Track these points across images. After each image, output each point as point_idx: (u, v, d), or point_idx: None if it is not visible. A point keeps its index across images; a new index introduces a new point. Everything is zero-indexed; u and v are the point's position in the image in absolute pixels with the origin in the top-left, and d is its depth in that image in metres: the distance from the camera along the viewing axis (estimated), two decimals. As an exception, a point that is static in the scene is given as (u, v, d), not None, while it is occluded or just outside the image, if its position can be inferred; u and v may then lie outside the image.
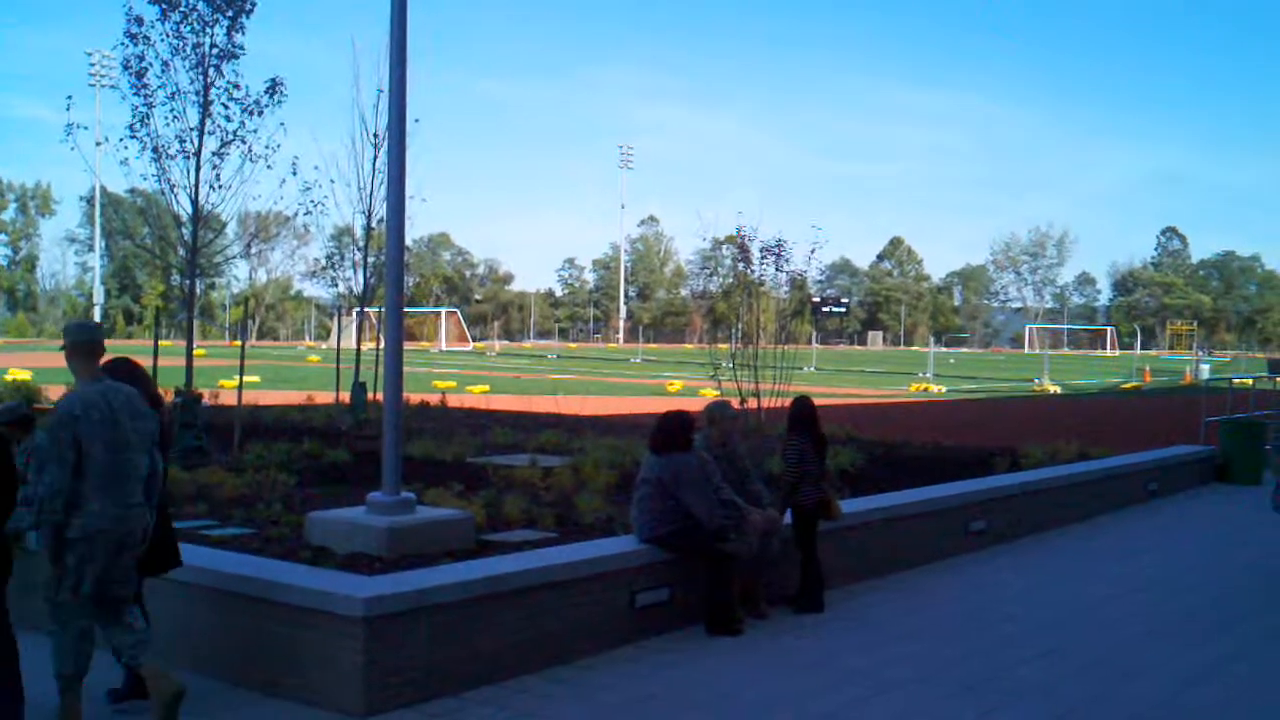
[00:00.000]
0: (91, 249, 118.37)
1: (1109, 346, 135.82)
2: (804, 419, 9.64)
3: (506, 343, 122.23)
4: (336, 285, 26.01)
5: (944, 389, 46.05)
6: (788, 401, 10.37)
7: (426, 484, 11.29)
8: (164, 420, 6.52)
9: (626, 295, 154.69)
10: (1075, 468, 15.23)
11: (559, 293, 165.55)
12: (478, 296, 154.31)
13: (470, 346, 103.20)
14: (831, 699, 7.10)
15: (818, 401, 10.16)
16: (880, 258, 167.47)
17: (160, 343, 17.85)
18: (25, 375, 31.00)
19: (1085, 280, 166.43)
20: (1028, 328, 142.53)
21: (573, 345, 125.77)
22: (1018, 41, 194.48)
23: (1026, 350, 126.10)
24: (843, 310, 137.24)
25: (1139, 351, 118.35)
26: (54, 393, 24.00)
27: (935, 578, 10.81)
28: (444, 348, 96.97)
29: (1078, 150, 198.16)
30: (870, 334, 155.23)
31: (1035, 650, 8.26)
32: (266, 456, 13.45)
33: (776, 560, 9.20)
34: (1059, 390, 47.58)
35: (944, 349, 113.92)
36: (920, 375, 54.33)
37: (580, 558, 7.98)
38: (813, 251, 21.29)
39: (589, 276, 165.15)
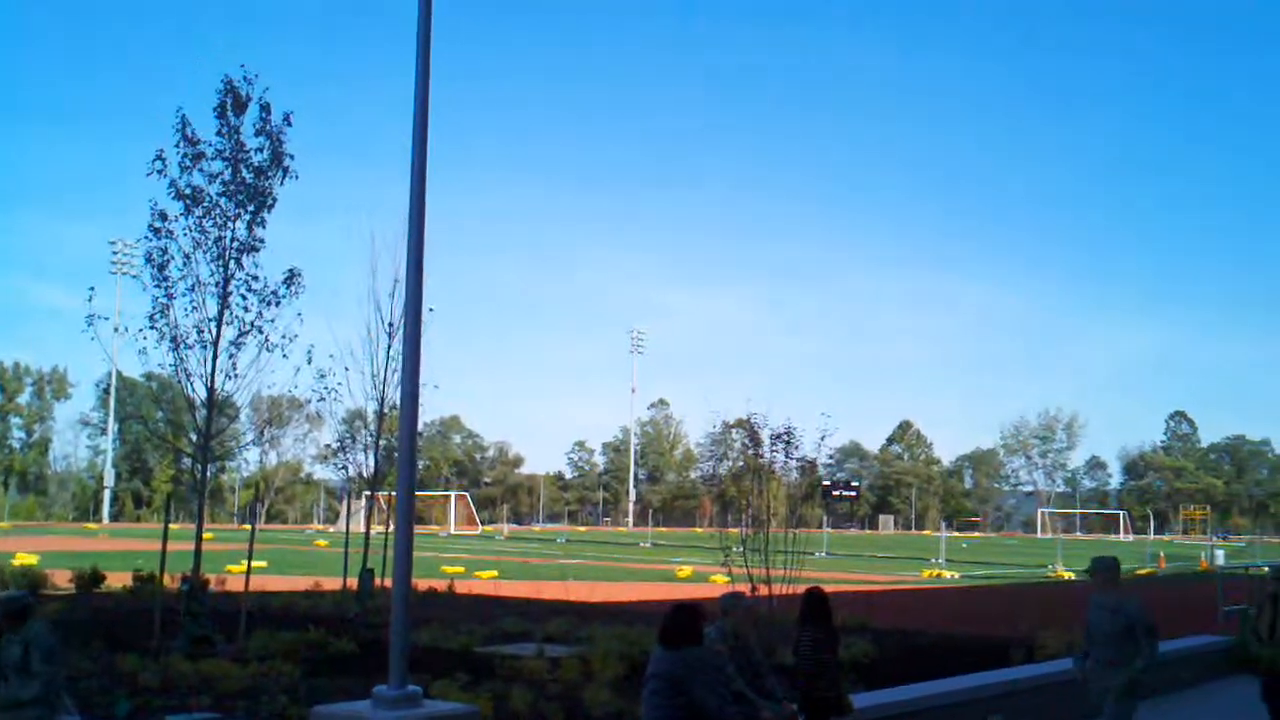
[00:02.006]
0: (104, 432, 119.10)
1: (1122, 531, 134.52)
2: (817, 611, 9.55)
3: (515, 526, 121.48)
4: (347, 469, 26.14)
5: (957, 575, 45.51)
6: (799, 588, 10.29)
7: (433, 675, 11.14)
8: None
9: (636, 478, 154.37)
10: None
11: (568, 475, 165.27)
12: (487, 479, 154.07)
13: (479, 530, 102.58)
14: None
15: (829, 588, 10.12)
16: (890, 441, 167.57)
17: (170, 526, 17.81)
18: (32, 559, 30.88)
19: (1096, 464, 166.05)
20: (1040, 512, 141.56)
21: (582, 528, 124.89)
22: (1024, 228, 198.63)
23: (1039, 535, 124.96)
24: (853, 494, 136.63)
25: (1153, 536, 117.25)
26: (60, 577, 23.84)
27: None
28: (452, 531, 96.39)
29: (1084, 334, 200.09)
30: (881, 518, 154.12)
31: None
32: (272, 646, 13.32)
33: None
34: (1073, 576, 46.96)
35: (955, 533, 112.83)
36: (932, 561, 53.78)
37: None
38: (823, 438, 21.34)
39: (599, 459, 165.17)
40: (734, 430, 23.61)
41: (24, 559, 30.51)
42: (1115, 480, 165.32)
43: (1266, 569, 11.36)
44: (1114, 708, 8.97)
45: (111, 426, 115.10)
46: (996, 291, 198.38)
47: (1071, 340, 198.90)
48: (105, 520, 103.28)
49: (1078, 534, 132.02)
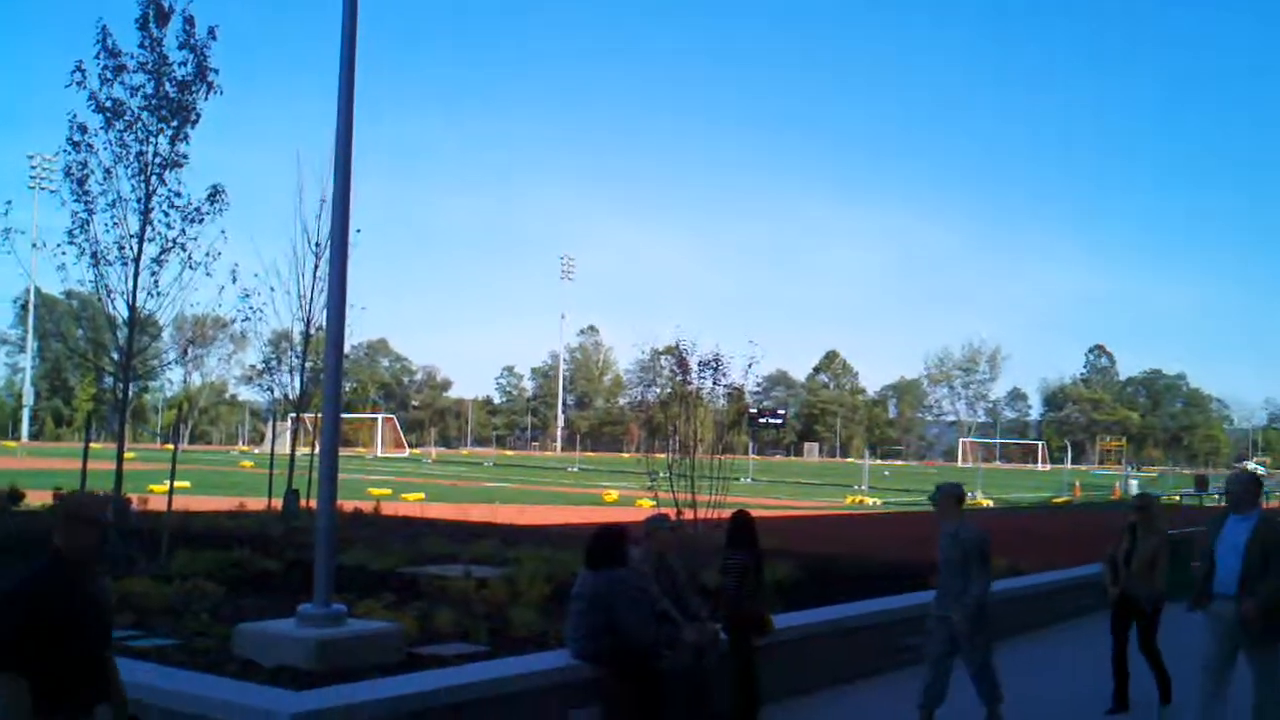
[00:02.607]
0: (23, 350, 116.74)
1: (1040, 461, 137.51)
2: (745, 533, 9.69)
3: (443, 449, 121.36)
4: (272, 390, 25.93)
5: (879, 501, 46.31)
6: (724, 513, 10.39)
7: (358, 595, 11.16)
8: None
9: (564, 404, 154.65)
10: (1006, 584, 15.32)
11: (497, 400, 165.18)
12: (415, 403, 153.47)
13: (406, 453, 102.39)
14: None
15: (754, 513, 10.24)
16: (816, 370, 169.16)
17: (90, 445, 17.59)
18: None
19: (1017, 395, 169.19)
20: (961, 441, 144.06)
21: (510, 453, 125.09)
22: (950, 165, 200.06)
23: (960, 463, 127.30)
24: (779, 422, 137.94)
25: (1070, 466, 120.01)
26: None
27: (866, 695, 10.81)
28: (379, 454, 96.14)
29: (1009, 269, 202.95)
30: (806, 445, 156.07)
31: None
32: (195, 565, 13.24)
33: (712, 676, 9.17)
34: (991, 504, 48.01)
35: (879, 461, 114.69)
36: (855, 487, 54.64)
37: (512, 673, 7.93)
38: (750, 365, 21.52)
39: (527, 384, 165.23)
40: (663, 357, 23.70)
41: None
42: (1035, 411, 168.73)
43: (1131, 498, 11.38)
44: (968, 645, 8.94)
45: (30, 344, 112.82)
46: (924, 225, 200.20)
47: (996, 274, 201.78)
48: (25, 439, 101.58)
49: (998, 463, 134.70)
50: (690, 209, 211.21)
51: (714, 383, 21.26)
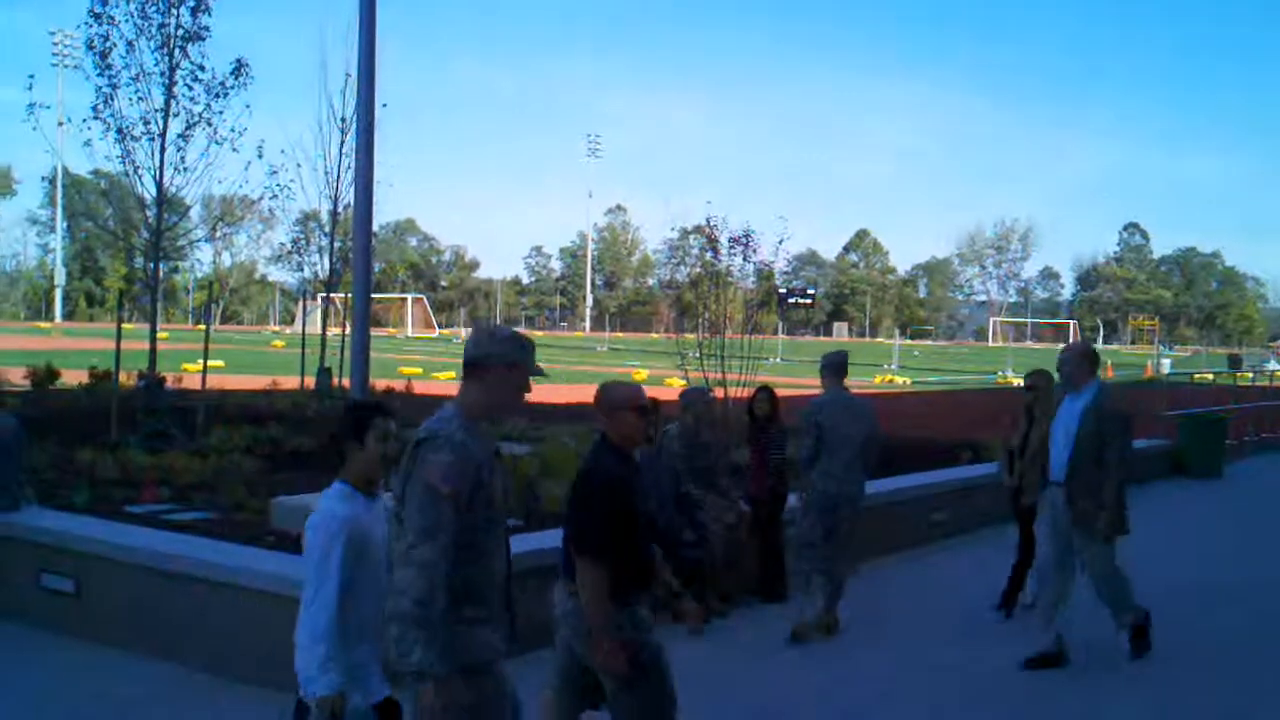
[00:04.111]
0: (53, 230, 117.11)
1: (1072, 340, 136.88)
2: (776, 409, 9.71)
3: (472, 329, 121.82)
4: (302, 270, 25.96)
5: (909, 380, 46.30)
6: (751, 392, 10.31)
7: (390, 471, 11.25)
8: None
9: (593, 284, 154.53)
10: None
11: (526, 280, 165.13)
12: (444, 283, 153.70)
13: (436, 333, 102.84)
14: (796, 685, 7.16)
15: (783, 392, 10.25)
16: (846, 249, 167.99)
17: (123, 325, 17.71)
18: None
19: (1049, 274, 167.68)
20: (992, 321, 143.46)
21: (539, 333, 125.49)
22: (985, 39, 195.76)
23: (990, 343, 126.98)
24: (809, 301, 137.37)
25: (1101, 345, 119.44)
26: (14, 375, 23.71)
27: (896, 568, 10.92)
28: (410, 334, 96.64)
29: (1043, 146, 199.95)
30: (836, 325, 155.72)
31: (984, 645, 8.37)
32: (231, 441, 13.38)
33: (743, 550, 9.24)
34: (1021, 383, 47.93)
35: (909, 341, 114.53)
36: (885, 367, 54.62)
37: (544, 546, 7.99)
38: (780, 243, 21.28)
39: (556, 264, 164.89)
40: (691, 236, 23.51)
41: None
42: (1068, 291, 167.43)
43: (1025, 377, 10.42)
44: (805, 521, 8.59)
45: (60, 225, 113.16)
46: (956, 101, 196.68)
47: (1030, 151, 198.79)
48: (58, 319, 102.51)
49: (1028, 343, 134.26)
50: (720, 85, 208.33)
51: (744, 259, 21.08)
